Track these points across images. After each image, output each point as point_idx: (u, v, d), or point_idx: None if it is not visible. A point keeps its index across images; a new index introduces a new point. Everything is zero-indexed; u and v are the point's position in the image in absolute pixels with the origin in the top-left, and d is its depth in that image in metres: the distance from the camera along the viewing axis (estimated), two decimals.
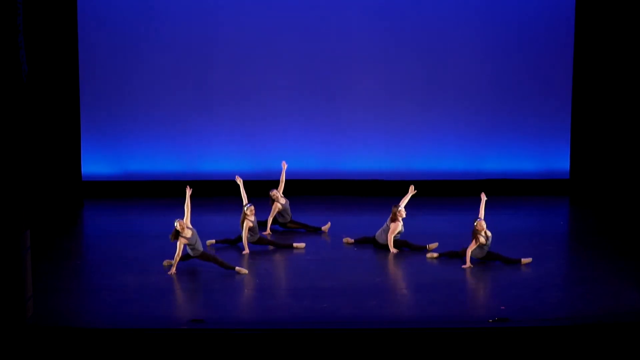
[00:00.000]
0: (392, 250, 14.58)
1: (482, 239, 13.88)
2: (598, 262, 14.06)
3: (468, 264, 13.83)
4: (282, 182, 15.73)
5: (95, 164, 17.99)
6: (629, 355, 11.08)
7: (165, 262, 13.72)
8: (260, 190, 17.47)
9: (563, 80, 17.93)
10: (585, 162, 17.65)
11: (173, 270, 13.44)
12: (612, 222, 16.36)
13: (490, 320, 11.59)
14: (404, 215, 14.70)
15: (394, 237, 14.69)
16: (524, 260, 14.01)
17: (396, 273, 14.11)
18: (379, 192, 17.96)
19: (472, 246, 13.86)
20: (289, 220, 15.83)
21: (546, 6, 17.89)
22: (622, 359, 11.07)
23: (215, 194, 18.05)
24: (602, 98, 17.37)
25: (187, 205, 13.74)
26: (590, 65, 17.33)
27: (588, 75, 17.38)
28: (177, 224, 13.50)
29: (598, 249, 14.79)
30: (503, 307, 12.12)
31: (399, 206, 14.69)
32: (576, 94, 17.63)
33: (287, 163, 15.76)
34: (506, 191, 18.18)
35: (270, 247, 14.90)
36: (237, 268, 13.70)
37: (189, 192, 13.82)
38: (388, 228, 14.72)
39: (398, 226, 14.66)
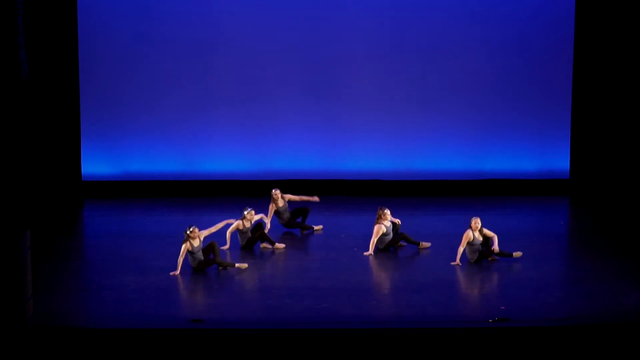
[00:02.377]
0: (370, 252, 14.46)
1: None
2: (598, 262, 14.06)
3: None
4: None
5: (95, 164, 17.97)
6: (629, 355, 11.08)
7: (172, 273, 13.71)
8: (259, 190, 17.47)
9: (563, 80, 17.90)
10: (585, 162, 17.63)
11: (177, 271, 13.48)
12: (611, 222, 16.34)
13: (490, 320, 11.59)
14: (389, 218, 14.66)
15: (385, 238, 14.65)
16: (516, 254, 14.07)
17: (396, 273, 14.11)
18: (379, 192, 17.95)
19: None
20: (286, 221, 15.86)
21: (546, 6, 17.88)
22: (622, 359, 11.08)
23: (215, 194, 18.05)
24: (602, 98, 17.34)
25: (216, 228, 14.04)
26: (590, 66, 17.30)
27: (588, 76, 17.36)
28: (189, 231, 13.55)
29: (598, 249, 14.78)
30: (503, 307, 12.13)
31: (384, 208, 14.67)
32: (576, 94, 17.61)
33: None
34: (506, 191, 18.17)
35: (262, 245, 14.90)
36: (236, 265, 13.75)
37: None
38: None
39: (381, 229, 14.58)
